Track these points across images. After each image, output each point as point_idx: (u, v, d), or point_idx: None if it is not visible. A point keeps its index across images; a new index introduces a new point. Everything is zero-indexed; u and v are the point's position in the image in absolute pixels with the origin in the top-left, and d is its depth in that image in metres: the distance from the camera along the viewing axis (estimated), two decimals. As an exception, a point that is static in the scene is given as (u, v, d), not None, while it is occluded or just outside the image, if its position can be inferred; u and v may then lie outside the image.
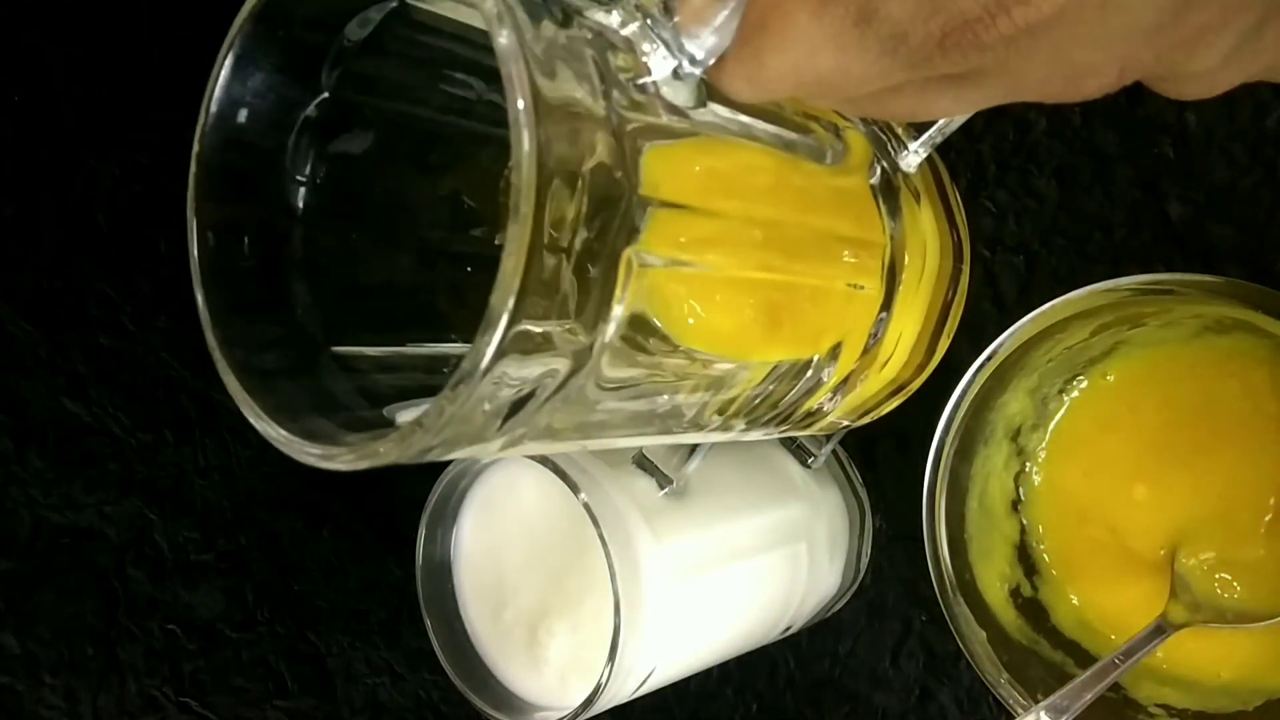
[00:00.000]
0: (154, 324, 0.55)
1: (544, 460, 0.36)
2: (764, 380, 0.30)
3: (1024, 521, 0.41)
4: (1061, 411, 0.41)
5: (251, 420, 0.26)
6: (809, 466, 0.43)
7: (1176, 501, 0.39)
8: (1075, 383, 0.40)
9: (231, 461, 0.55)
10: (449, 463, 0.39)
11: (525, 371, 0.23)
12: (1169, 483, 0.39)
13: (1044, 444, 0.41)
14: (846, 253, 0.30)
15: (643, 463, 0.38)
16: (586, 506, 0.35)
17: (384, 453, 0.23)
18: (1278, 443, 0.38)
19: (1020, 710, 0.38)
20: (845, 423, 0.37)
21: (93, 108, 0.54)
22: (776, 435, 0.35)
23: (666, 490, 0.38)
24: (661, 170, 0.24)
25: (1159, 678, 0.39)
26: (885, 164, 0.32)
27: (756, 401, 0.31)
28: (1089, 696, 0.36)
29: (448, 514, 0.40)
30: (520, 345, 0.22)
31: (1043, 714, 0.36)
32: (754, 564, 0.41)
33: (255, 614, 0.55)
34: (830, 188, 0.30)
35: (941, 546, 0.39)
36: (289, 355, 0.28)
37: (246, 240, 0.27)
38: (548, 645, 0.39)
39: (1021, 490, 0.41)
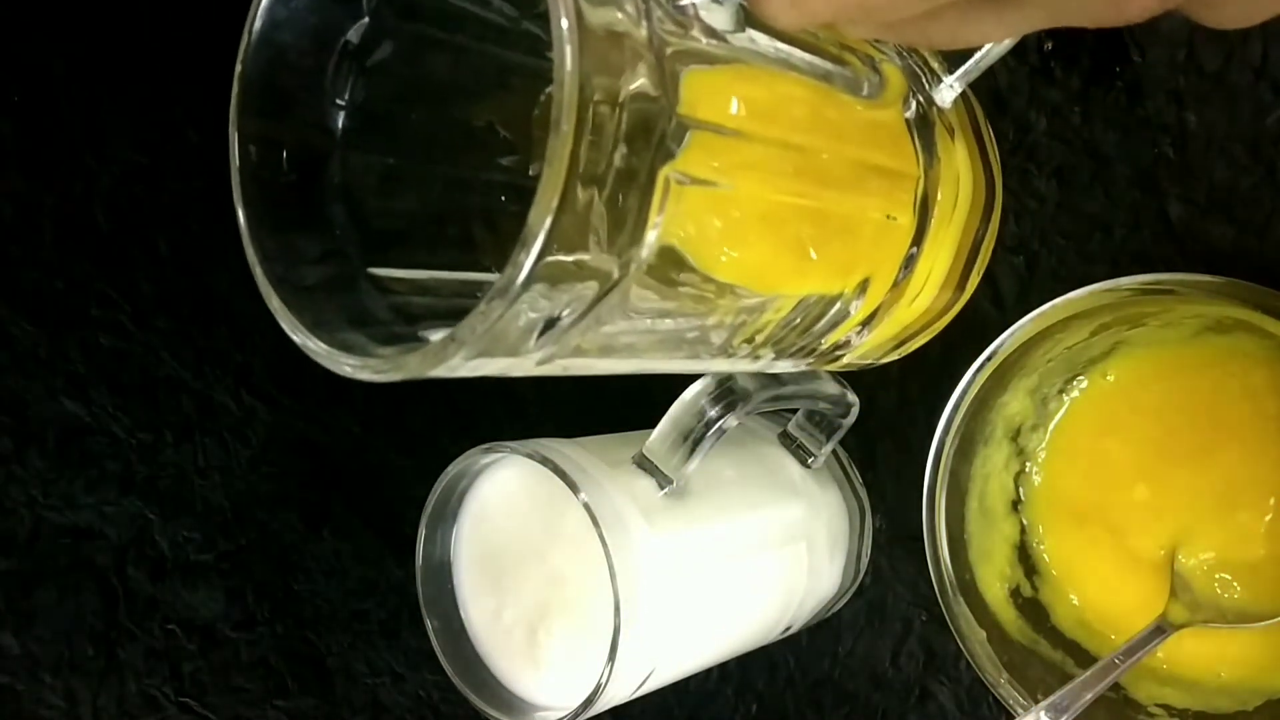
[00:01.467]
0: (154, 324, 0.55)
1: (544, 460, 0.36)
2: (793, 310, 0.31)
3: (1024, 521, 0.41)
4: (1061, 411, 0.41)
5: (289, 333, 0.26)
6: (809, 466, 0.43)
7: (1176, 501, 0.39)
8: (1075, 383, 0.40)
9: (231, 461, 0.55)
10: (449, 463, 0.39)
11: (558, 290, 0.23)
12: (1169, 483, 0.39)
13: (1044, 444, 0.41)
14: (879, 184, 0.31)
15: (643, 463, 0.38)
16: (586, 506, 0.35)
17: (417, 365, 0.24)
18: (1278, 443, 0.38)
19: (1020, 710, 0.38)
20: (870, 360, 0.37)
21: (93, 108, 0.54)
22: (805, 367, 0.35)
23: (666, 490, 0.38)
24: (699, 94, 0.24)
25: (1159, 678, 0.39)
26: (920, 98, 0.32)
27: (785, 332, 0.31)
28: (1089, 696, 0.36)
29: (448, 514, 0.40)
30: (555, 265, 0.22)
31: (1043, 714, 0.36)
32: (754, 564, 0.41)
33: (255, 614, 0.55)
34: (865, 120, 0.30)
35: (941, 546, 0.39)
36: (326, 273, 0.28)
37: (285, 156, 0.28)
38: (548, 645, 0.39)
39: (1021, 490, 0.41)
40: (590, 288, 0.24)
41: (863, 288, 0.32)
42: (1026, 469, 0.41)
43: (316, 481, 0.55)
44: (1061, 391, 0.40)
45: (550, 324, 0.24)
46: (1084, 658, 0.40)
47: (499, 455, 0.38)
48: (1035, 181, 0.40)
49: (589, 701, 0.36)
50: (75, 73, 0.54)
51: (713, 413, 0.37)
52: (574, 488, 0.36)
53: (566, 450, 0.38)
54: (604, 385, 0.50)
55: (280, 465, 0.55)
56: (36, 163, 0.54)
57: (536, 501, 0.39)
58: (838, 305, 0.32)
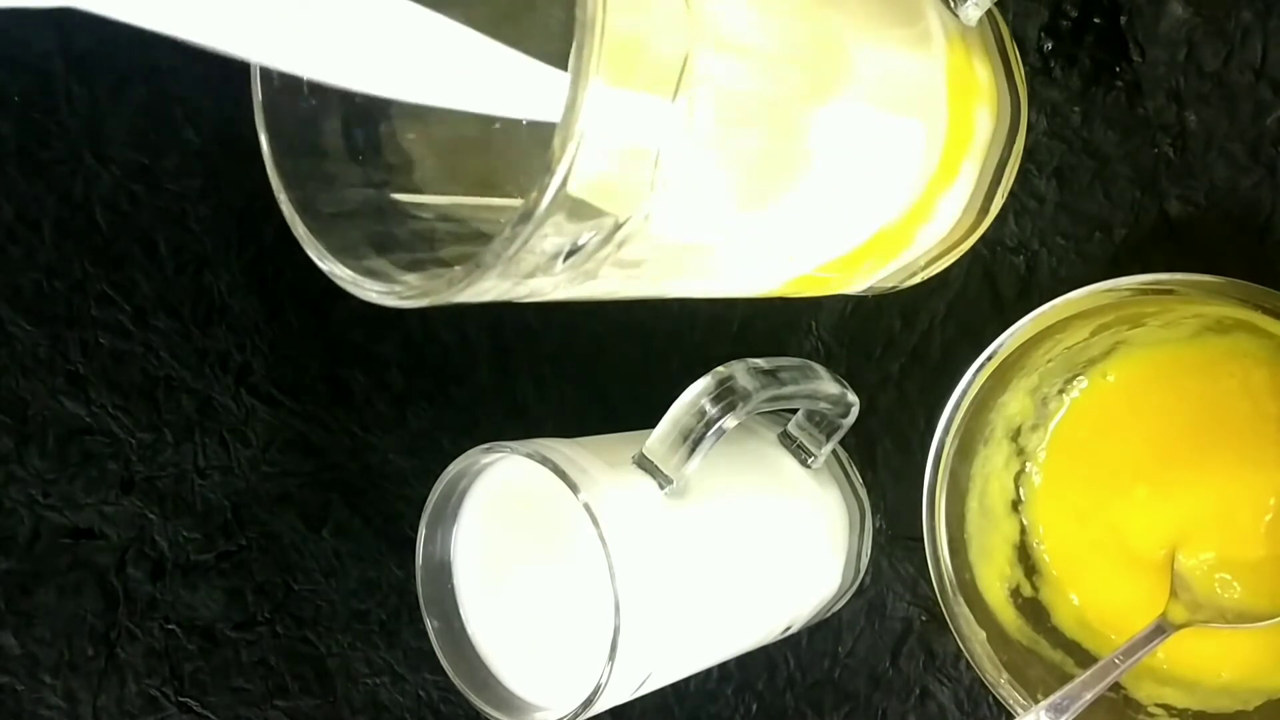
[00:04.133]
0: (154, 324, 0.55)
1: (544, 460, 0.36)
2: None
3: (1024, 521, 0.41)
4: (1061, 411, 0.41)
5: (316, 260, 0.26)
6: (809, 466, 0.43)
7: (1176, 501, 0.39)
8: (1075, 383, 0.40)
9: (231, 461, 0.55)
10: (449, 463, 0.39)
11: (582, 215, 0.23)
12: (1169, 483, 0.39)
13: (1044, 444, 0.41)
14: (906, 108, 0.31)
15: (643, 463, 0.38)
16: (586, 506, 0.35)
17: (444, 290, 0.24)
18: (1278, 443, 0.38)
19: (1020, 710, 0.38)
20: (894, 284, 0.36)
21: (93, 108, 0.54)
22: (829, 292, 0.36)
23: (666, 490, 0.38)
24: (728, 17, 0.25)
25: (1159, 678, 0.39)
26: (945, 17, 0.32)
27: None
28: (1089, 696, 0.36)
29: (448, 514, 0.40)
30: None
31: (1043, 714, 0.36)
32: (754, 564, 0.41)
33: (255, 614, 0.55)
34: (892, 40, 0.30)
35: (941, 546, 0.39)
36: (350, 199, 0.28)
37: (307, 80, 0.28)
38: (548, 645, 0.39)
39: (1021, 490, 0.41)
40: (610, 220, 0.24)
41: (886, 209, 0.32)
42: (1026, 469, 0.41)
43: (316, 481, 0.55)
44: (1061, 391, 0.40)
45: (575, 249, 0.24)
46: (1084, 658, 0.40)
47: (499, 455, 0.38)
48: (1035, 181, 0.40)
49: (589, 701, 0.36)
50: (75, 73, 0.54)
51: (713, 413, 0.37)
52: (574, 488, 0.36)
53: (566, 450, 0.38)
54: (604, 385, 0.50)
55: (280, 465, 0.55)
56: (36, 163, 0.54)
57: (536, 502, 0.39)
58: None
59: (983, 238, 0.41)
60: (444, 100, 0.25)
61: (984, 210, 0.35)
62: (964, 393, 0.38)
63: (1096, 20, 0.39)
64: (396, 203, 0.29)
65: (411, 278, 0.26)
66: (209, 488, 0.55)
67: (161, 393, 0.55)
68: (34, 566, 0.56)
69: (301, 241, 0.26)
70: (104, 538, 0.56)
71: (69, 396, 0.55)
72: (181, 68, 0.53)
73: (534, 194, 0.22)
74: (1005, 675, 0.38)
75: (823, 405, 0.42)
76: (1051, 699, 0.36)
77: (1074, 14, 0.39)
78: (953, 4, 0.32)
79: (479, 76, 0.25)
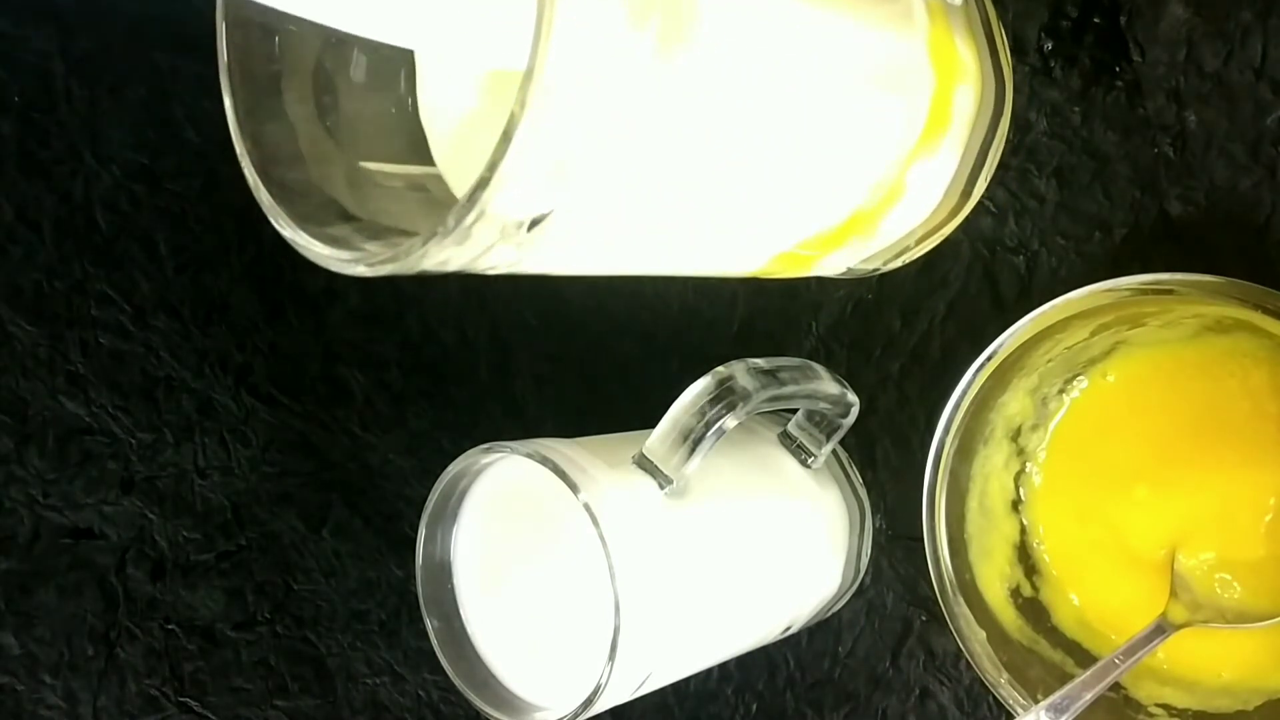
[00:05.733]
0: (154, 324, 0.55)
1: (544, 460, 0.36)
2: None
3: (1024, 521, 0.41)
4: (1062, 411, 0.41)
5: (279, 228, 0.26)
6: (809, 466, 0.43)
7: (1177, 501, 0.39)
8: (1075, 382, 0.40)
9: (231, 461, 0.55)
10: (449, 463, 0.39)
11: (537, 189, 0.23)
12: (1169, 483, 0.39)
13: (1044, 444, 0.41)
14: (885, 85, 0.30)
15: (643, 463, 0.38)
16: (586, 506, 0.35)
17: (407, 258, 0.23)
18: (1278, 443, 0.38)
19: (1020, 710, 0.38)
20: (876, 265, 0.36)
21: (93, 108, 0.54)
22: (811, 273, 0.35)
23: (666, 490, 0.38)
24: None
25: (1159, 677, 0.39)
26: None
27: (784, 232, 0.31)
28: (1089, 696, 0.36)
29: (448, 514, 0.40)
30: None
31: (1043, 714, 0.36)
32: (754, 564, 0.41)
33: (255, 614, 0.55)
34: (872, 17, 0.30)
35: (941, 546, 0.39)
36: (316, 166, 0.28)
37: (278, 42, 0.27)
38: (548, 646, 0.39)
39: (1021, 490, 0.41)
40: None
41: (869, 192, 0.32)
42: (1026, 469, 0.41)
43: (316, 481, 0.55)
44: (1061, 391, 0.40)
45: (539, 218, 0.24)
46: (1084, 658, 0.40)
47: (499, 455, 0.38)
48: (1035, 181, 0.40)
49: (589, 701, 0.36)
50: (75, 73, 0.54)
51: (713, 413, 0.37)
52: (574, 488, 0.36)
53: (566, 450, 0.38)
54: (604, 385, 0.50)
55: (280, 465, 0.55)
56: (36, 163, 0.54)
57: (536, 501, 0.39)
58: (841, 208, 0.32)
59: (983, 238, 0.41)
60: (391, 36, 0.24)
61: (966, 194, 0.35)
62: (964, 393, 0.38)
63: (1096, 20, 0.39)
64: (364, 171, 0.28)
65: (374, 245, 0.25)
66: (209, 488, 0.55)
67: (161, 393, 0.55)
68: (34, 566, 0.56)
69: (265, 209, 0.26)
70: (104, 538, 0.56)
71: (69, 396, 0.55)
72: (181, 68, 0.53)
73: (491, 159, 0.22)
74: (1005, 675, 0.38)
75: (823, 405, 0.42)
76: (1051, 699, 0.36)
77: (1074, 14, 0.39)
78: None
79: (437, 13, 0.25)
